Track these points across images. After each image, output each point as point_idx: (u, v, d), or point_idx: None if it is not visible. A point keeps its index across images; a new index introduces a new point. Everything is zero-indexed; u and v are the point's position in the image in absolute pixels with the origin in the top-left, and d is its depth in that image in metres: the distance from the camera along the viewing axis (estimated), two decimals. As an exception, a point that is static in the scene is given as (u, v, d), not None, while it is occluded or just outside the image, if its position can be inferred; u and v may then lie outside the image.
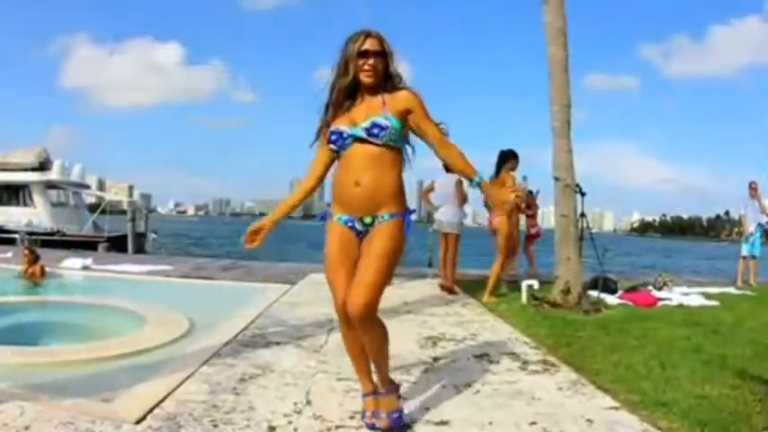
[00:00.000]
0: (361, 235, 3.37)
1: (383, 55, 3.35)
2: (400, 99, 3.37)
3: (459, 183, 9.57)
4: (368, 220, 3.35)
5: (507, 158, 9.57)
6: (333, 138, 3.36)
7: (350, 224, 3.37)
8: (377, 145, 3.29)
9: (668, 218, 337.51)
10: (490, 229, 9.50)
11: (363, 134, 3.29)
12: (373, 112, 3.33)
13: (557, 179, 8.67)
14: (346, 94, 3.39)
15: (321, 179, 3.55)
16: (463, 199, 9.83)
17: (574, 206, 8.76)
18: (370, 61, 3.30)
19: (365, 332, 3.30)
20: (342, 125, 3.35)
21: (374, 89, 3.38)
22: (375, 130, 3.28)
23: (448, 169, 9.44)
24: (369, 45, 3.31)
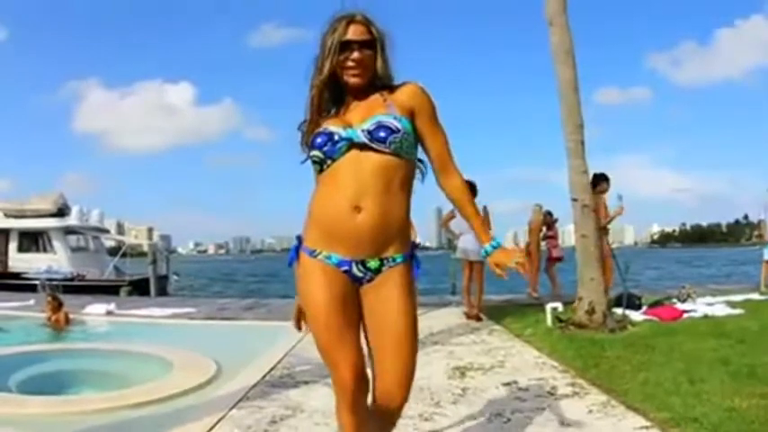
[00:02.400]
0: (359, 283, 2.51)
1: (372, 45, 2.52)
2: (406, 93, 2.55)
3: (485, 210, 9.63)
4: (373, 264, 2.48)
5: (598, 181, 9.80)
6: (318, 141, 2.47)
7: (344, 268, 2.47)
8: (383, 154, 2.43)
9: (688, 227, 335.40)
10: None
11: (364, 138, 2.43)
12: (375, 111, 2.50)
13: (574, 200, 8.66)
14: (328, 97, 2.58)
15: None
16: (487, 226, 9.83)
17: (593, 225, 8.74)
18: (355, 55, 2.48)
19: (391, 422, 2.66)
20: (331, 125, 2.50)
21: (365, 91, 2.56)
22: (381, 133, 2.42)
23: (473, 195, 9.53)
24: (352, 34, 2.49)
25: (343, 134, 2.44)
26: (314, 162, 2.51)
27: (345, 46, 2.47)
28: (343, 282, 2.46)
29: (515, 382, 5.33)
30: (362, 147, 2.43)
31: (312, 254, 2.49)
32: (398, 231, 2.50)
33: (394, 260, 2.49)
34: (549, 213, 13.80)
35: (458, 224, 9.84)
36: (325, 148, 2.45)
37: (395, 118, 2.45)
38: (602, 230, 9.84)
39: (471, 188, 9.61)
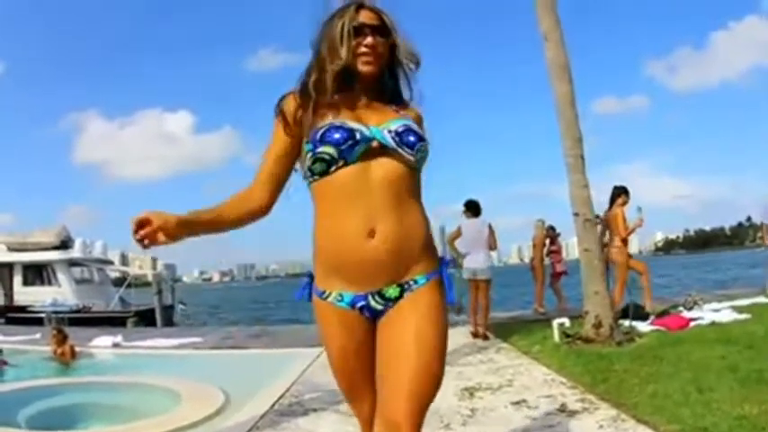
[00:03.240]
0: (377, 315, 2.19)
1: (385, 32, 2.24)
2: (416, 113, 2.34)
3: (490, 227, 9.71)
4: (392, 292, 2.15)
5: (618, 194, 10.00)
6: (335, 137, 2.10)
7: (360, 304, 2.16)
8: (399, 162, 2.14)
9: (691, 232, 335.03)
10: (609, 261, 9.74)
11: (392, 141, 2.13)
12: (390, 115, 2.25)
13: (576, 215, 8.66)
14: (336, 86, 2.21)
15: (272, 198, 2.30)
16: (493, 244, 9.90)
17: (596, 239, 8.75)
18: (369, 40, 2.20)
19: None
20: (348, 121, 2.15)
21: (375, 87, 2.29)
22: (411, 138, 2.15)
23: (476, 213, 9.65)
24: (365, 18, 2.22)
25: (367, 133, 2.12)
26: (317, 161, 2.12)
27: (358, 31, 2.19)
28: (358, 323, 2.18)
29: (524, 401, 5.33)
30: (377, 152, 2.12)
31: (322, 295, 2.20)
32: (421, 249, 2.18)
33: (417, 282, 2.15)
34: (551, 228, 13.84)
35: (463, 243, 9.85)
36: (343, 147, 2.08)
37: (417, 126, 2.23)
38: (623, 242, 9.98)
39: (475, 207, 9.79)
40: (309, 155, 2.13)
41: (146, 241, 2.03)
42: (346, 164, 2.09)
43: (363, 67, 2.20)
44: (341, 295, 2.16)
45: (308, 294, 2.27)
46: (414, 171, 2.19)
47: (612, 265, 9.84)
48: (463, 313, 11.92)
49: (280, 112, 2.23)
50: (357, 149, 2.09)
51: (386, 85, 2.32)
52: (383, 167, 2.11)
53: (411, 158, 2.14)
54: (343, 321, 2.18)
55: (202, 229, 2.18)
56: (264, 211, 2.29)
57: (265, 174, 2.26)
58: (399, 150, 2.13)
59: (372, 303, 2.15)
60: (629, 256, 10.02)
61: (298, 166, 2.27)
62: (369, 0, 2.28)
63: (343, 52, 2.16)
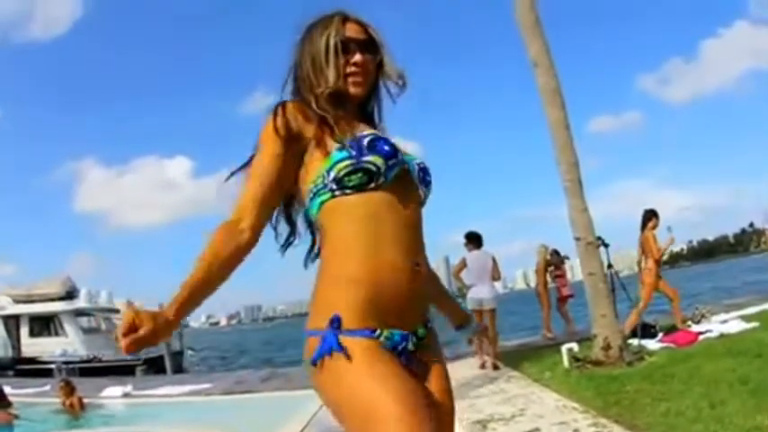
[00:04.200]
0: (409, 361, 1.81)
1: (374, 48, 1.98)
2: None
3: (493, 260, 9.78)
4: (422, 331, 1.87)
5: (649, 217, 10.12)
6: (386, 149, 1.82)
7: (401, 346, 1.78)
8: (418, 199, 1.93)
9: (695, 243, 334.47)
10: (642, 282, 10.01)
11: (417, 174, 1.94)
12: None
13: (578, 239, 8.68)
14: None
15: (261, 226, 1.86)
16: (497, 275, 9.99)
17: (599, 261, 8.78)
18: (357, 57, 1.94)
19: None
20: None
21: (363, 112, 2.07)
22: (429, 178, 1.99)
23: (478, 245, 9.75)
24: (352, 32, 1.96)
25: (403, 157, 1.90)
26: (360, 171, 1.77)
27: (345, 47, 1.93)
28: (406, 369, 1.75)
29: (538, 430, 5.32)
30: (402, 180, 1.87)
31: (373, 335, 1.72)
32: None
33: (431, 323, 1.95)
34: (556, 252, 13.82)
35: (469, 275, 9.89)
36: (389, 162, 1.81)
37: None
38: (656, 263, 10.07)
39: (477, 239, 9.88)
40: (346, 163, 1.76)
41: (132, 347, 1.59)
42: (384, 183, 1.80)
43: (353, 89, 1.95)
44: (391, 334, 1.75)
45: (338, 344, 1.68)
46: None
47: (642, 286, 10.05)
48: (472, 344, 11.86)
49: (282, 119, 1.84)
50: (394, 170, 1.83)
51: (367, 106, 2.08)
52: (408, 197, 1.86)
53: (422, 197, 1.94)
54: (397, 366, 1.70)
55: (198, 301, 1.73)
56: (254, 242, 1.81)
57: (253, 196, 1.82)
58: (419, 185, 1.93)
59: (410, 345, 1.82)
60: (660, 278, 10.11)
61: (306, 181, 1.86)
62: (352, 11, 2.01)
63: (331, 75, 1.91)
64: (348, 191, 1.77)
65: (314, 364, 1.71)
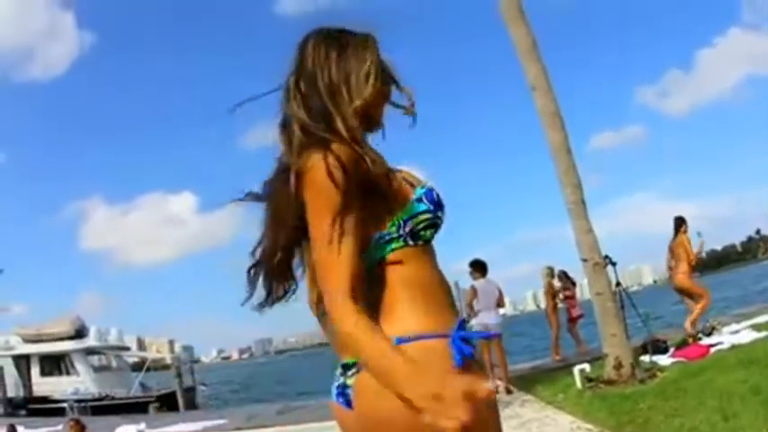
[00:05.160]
0: None
1: (392, 82, 1.84)
2: None
3: (499, 290, 10.08)
4: None
5: (681, 223, 10.60)
6: (442, 201, 1.75)
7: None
8: None
9: (703, 254, 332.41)
10: (676, 287, 10.52)
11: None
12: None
13: (585, 260, 8.72)
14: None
15: None
16: (502, 302, 10.27)
17: (607, 281, 8.83)
18: (389, 90, 1.83)
19: None
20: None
21: None
22: None
23: (484, 272, 9.92)
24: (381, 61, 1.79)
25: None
26: (433, 227, 1.72)
27: (383, 76, 1.77)
28: None
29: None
30: None
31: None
32: None
33: None
34: (564, 274, 13.83)
35: (478, 303, 10.01)
36: (437, 219, 1.73)
37: None
38: (690, 268, 10.46)
39: (482, 266, 10.01)
40: (426, 217, 1.69)
41: None
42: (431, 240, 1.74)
43: (380, 119, 1.82)
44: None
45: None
46: None
47: (678, 292, 10.62)
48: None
49: (350, 168, 1.57)
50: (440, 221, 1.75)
51: None
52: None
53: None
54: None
55: None
56: None
57: (357, 272, 1.55)
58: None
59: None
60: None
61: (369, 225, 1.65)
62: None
63: (370, 97, 1.71)
64: (420, 243, 1.69)
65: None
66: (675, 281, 10.42)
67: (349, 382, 1.63)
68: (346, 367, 1.65)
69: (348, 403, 1.62)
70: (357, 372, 1.60)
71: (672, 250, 10.59)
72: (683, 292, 10.64)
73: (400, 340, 1.54)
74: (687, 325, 10.17)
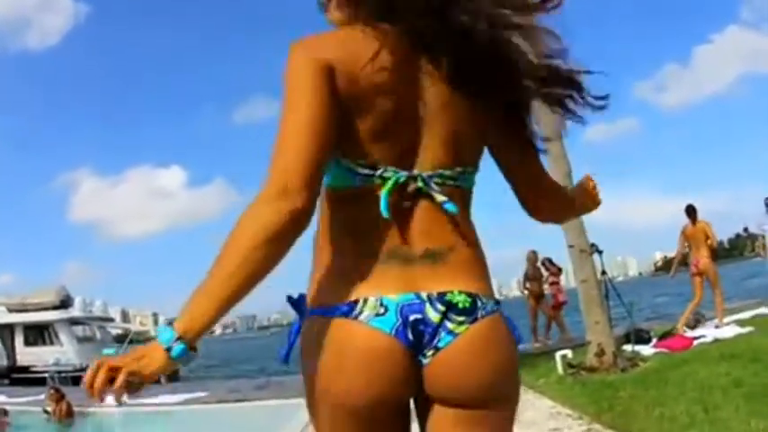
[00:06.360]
0: None
1: None
2: None
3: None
4: None
5: (695, 210, 10.68)
6: None
7: None
8: None
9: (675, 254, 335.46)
10: (695, 272, 10.48)
11: None
12: None
13: (571, 247, 8.70)
14: None
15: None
16: None
17: (593, 269, 8.84)
18: None
19: None
20: None
21: None
22: None
23: None
24: None
25: None
26: None
27: None
28: None
29: (531, 435, 5.32)
30: None
31: None
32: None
33: None
34: (550, 261, 13.83)
35: None
36: None
37: None
38: (713, 253, 10.63)
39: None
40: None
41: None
42: None
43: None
44: None
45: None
46: None
47: (697, 277, 10.55)
48: None
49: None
50: None
51: None
52: None
53: None
54: None
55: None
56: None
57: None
58: None
59: None
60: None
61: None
62: None
63: None
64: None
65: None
66: (700, 266, 10.43)
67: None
68: None
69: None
70: None
71: (689, 237, 10.68)
72: (702, 276, 10.60)
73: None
74: (719, 307, 10.47)
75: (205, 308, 1.28)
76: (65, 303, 28.40)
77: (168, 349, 1.25)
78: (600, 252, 9.16)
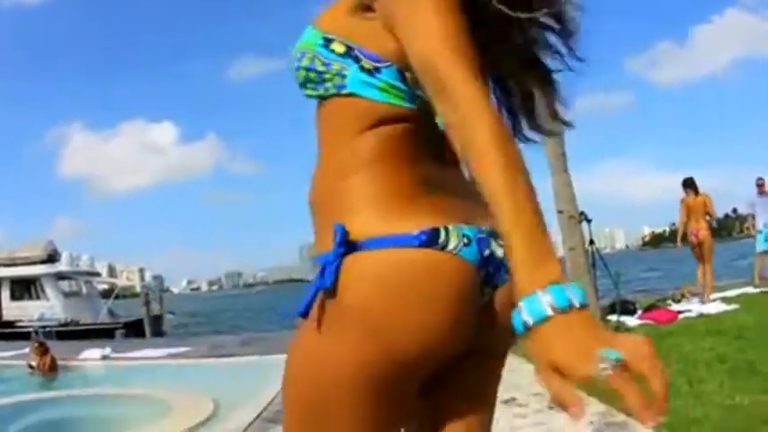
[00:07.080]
0: None
1: None
2: None
3: None
4: None
5: (694, 184, 10.99)
6: None
7: None
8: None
9: (677, 226, 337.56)
10: (695, 242, 10.79)
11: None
12: None
13: (560, 212, 8.67)
14: None
15: None
16: None
17: (581, 236, 8.81)
18: None
19: None
20: None
21: None
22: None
23: None
24: None
25: None
26: None
27: None
28: None
29: (514, 399, 5.32)
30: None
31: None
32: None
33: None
34: None
35: None
36: None
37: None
38: (711, 228, 10.99)
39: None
40: None
41: None
42: None
43: None
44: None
45: None
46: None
47: (697, 248, 10.90)
48: None
49: None
50: None
51: None
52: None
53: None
54: None
55: None
56: None
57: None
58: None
59: None
60: None
61: None
62: None
63: None
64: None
65: None
66: (700, 236, 10.71)
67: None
68: None
69: None
70: None
71: (690, 208, 10.84)
72: (700, 248, 10.86)
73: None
74: (709, 280, 10.73)
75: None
76: (52, 258, 28.47)
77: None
78: (589, 221, 9.11)
